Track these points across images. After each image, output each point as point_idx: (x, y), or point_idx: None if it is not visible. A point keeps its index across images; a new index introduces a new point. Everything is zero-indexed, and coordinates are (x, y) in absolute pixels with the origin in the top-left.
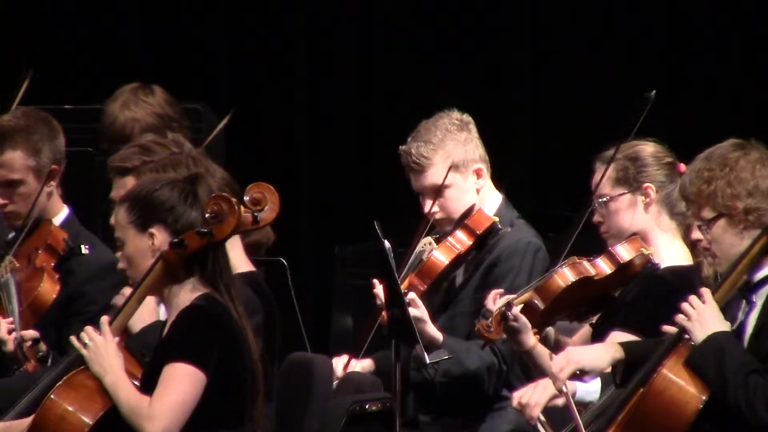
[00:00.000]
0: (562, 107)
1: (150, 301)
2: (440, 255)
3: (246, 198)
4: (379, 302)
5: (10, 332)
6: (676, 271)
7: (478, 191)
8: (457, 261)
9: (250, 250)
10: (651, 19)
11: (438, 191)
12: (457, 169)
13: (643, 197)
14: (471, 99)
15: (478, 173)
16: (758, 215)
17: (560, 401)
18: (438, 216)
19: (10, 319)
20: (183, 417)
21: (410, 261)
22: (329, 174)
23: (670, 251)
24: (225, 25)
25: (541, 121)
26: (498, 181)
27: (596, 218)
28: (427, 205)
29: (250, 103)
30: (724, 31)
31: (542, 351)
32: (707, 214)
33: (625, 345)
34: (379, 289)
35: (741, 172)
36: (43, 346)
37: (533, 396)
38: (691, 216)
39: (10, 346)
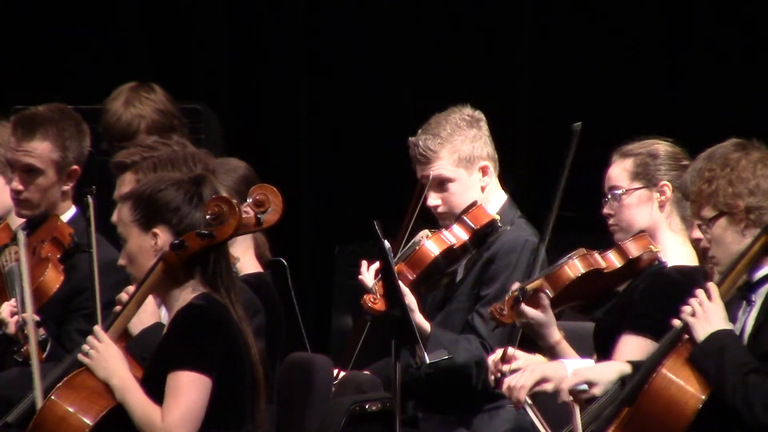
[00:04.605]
0: (563, 107)
1: (150, 303)
2: (431, 245)
3: (249, 200)
4: (362, 279)
5: (12, 315)
6: (682, 270)
7: (483, 189)
8: (450, 254)
9: None
10: (651, 19)
11: (441, 184)
12: (463, 165)
13: (658, 194)
14: (471, 99)
15: (484, 171)
16: (759, 214)
17: (548, 386)
18: (440, 210)
19: (14, 302)
20: (196, 425)
21: (404, 251)
22: (329, 174)
23: (678, 251)
24: (225, 25)
25: (541, 121)
26: (504, 180)
27: (606, 210)
28: (431, 198)
29: (250, 103)
30: (724, 30)
31: (566, 348)
32: (708, 213)
33: (633, 361)
34: (364, 272)
35: (742, 171)
36: (42, 331)
37: (520, 379)
38: (691, 215)
39: (12, 329)
